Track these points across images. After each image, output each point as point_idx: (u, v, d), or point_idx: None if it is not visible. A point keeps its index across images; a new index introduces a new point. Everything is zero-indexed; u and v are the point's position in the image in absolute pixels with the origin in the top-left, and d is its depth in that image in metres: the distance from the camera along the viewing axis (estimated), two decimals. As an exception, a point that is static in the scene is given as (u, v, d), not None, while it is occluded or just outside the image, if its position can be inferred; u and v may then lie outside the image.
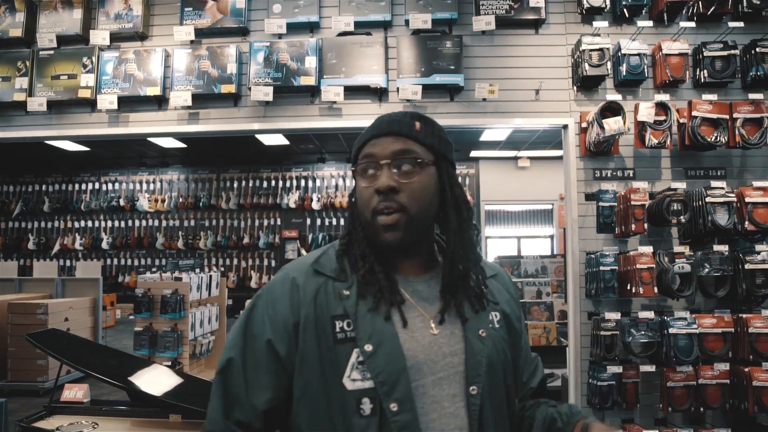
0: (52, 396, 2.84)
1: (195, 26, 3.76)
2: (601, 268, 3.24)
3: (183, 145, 9.73)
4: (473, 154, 10.77)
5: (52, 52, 3.91)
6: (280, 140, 9.19)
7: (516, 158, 11.02)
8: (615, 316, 3.22)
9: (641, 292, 3.12)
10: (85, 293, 6.86)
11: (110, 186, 11.00)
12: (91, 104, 3.84)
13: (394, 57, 3.66)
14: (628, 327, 3.18)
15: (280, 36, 3.75)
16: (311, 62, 3.66)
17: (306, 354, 1.04)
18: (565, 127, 3.55)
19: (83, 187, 10.99)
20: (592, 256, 3.34)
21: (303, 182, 11.07)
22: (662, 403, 3.24)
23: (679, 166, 3.50)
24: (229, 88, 3.72)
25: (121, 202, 10.66)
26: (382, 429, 0.97)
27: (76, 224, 10.94)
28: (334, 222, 11.07)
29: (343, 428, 0.99)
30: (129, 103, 3.83)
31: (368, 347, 1.00)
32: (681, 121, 3.36)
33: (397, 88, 3.59)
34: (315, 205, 10.85)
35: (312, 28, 3.77)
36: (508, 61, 3.62)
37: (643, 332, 3.17)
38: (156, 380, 2.77)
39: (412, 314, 1.06)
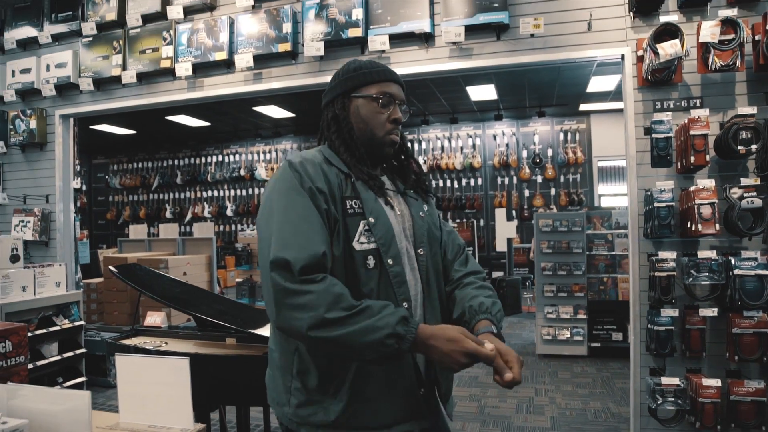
0: (135, 320, 3.31)
1: (254, -9, 3.99)
2: (656, 204, 3.01)
3: (292, 115, 10.30)
4: (583, 107, 10.16)
5: (139, 30, 4.37)
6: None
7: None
8: (671, 255, 2.99)
9: (699, 230, 2.86)
10: (203, 252, 7.62)
11: (231, 158, 11.95)
12: (171, 73, 4.25)
13: (439, 1, 3.62)
14: (688, 268, 2.94)
15: (330, -8, 3.86)
16: (358, 14, 3.73)
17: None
18: (622, 57, 3.30)
19: (208, 160, 12.07)
20: (649, 193, 3.11)
21: (408, 145, 11.19)
22: (728, 351, 2.97)
23: (758, 91, 3.10)
24: (286, 47, 3.92)
25: (242, 172, 11.56)
26: (381, 277, 1.36)
27: (204, 194, 12.08)
28: (441, 183, 11.10)
29: (354, 278, 1.33)
30: (203, 69, 4.19)
31: (371, 219, 1.37)
32: (757, 38, 2.98)
33: (441, 32, 3.55)
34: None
35: (359, -20, 3.83)
36: (557, -8, 3.43)
37: (706, 274, 2.92)
38: (215, 309, 3.10)
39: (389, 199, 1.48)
